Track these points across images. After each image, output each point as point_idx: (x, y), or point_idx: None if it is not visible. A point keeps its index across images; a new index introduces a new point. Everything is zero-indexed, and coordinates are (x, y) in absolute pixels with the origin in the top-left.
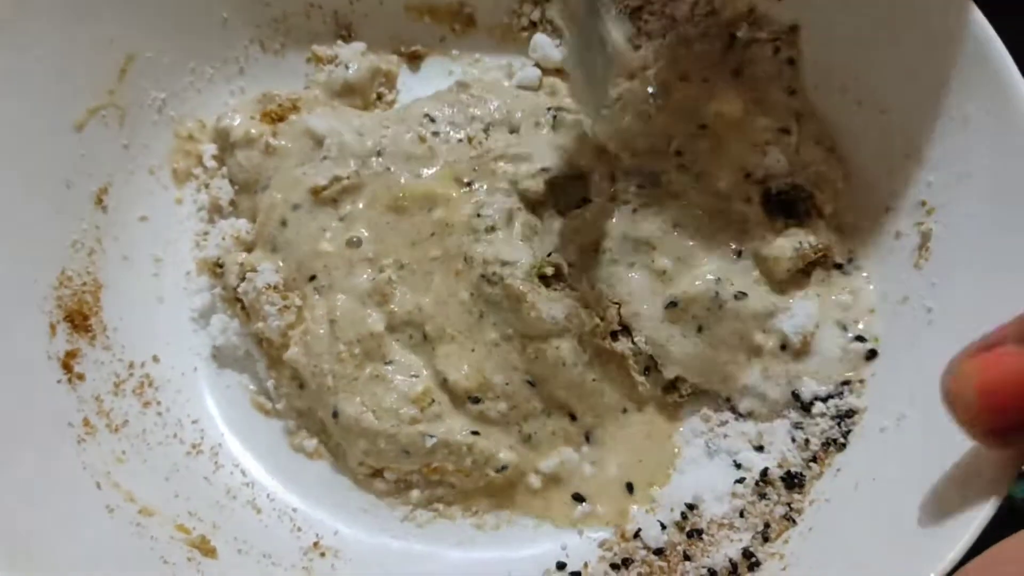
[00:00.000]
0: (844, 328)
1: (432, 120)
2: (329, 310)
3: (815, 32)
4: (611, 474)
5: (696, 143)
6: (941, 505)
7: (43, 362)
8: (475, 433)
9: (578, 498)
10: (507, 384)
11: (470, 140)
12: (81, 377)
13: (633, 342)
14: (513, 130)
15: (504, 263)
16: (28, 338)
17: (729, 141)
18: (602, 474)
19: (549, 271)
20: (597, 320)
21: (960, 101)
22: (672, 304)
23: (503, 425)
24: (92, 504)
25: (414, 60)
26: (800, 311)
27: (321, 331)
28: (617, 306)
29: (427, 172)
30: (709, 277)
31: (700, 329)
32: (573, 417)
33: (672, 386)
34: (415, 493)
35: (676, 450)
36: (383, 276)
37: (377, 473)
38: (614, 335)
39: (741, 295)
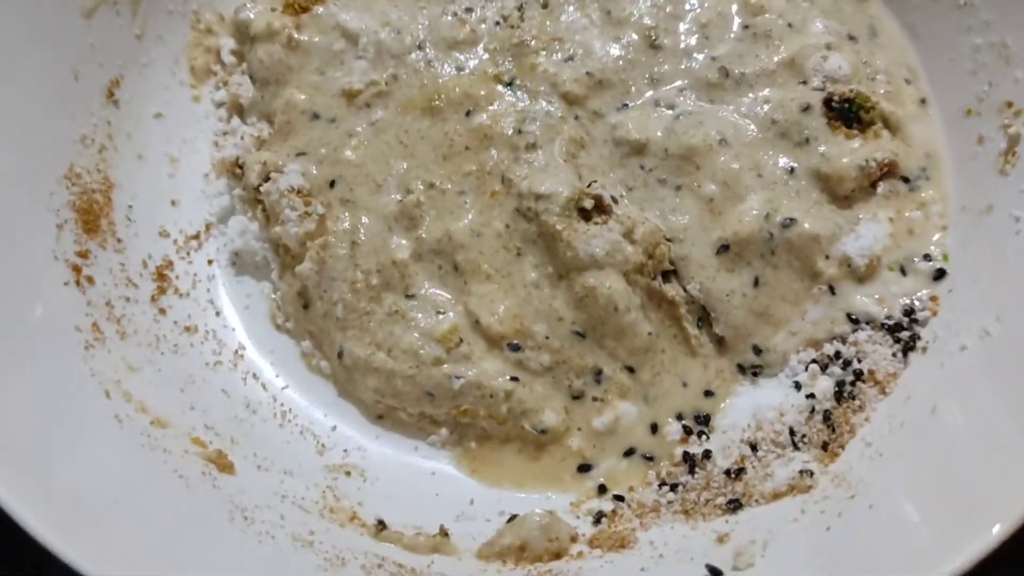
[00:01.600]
0: (911, 247)
1: None
2: (352, 228)
3: None
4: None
5: (741, 44)
6: None
7: (48, 262)
8: (514, 379)
9: (629, 452)
10: (548, 337)
11: (505, 19)
12: (90, 280)
13: (685, 289)
14: (546, 5)
15: (539, 196)
16: (32, 236)
17: (783, 42)
18: (652, 415)
19: (588, 204)
20: (645, 258)
21: None
22: (724, 248)
23: (548, 379)
24: (100, 413)
25: None
26: (867, 232)
27: (341, 251)
28: (669, 243)
29: (469, 63)
30: (755, 212)
31: (757, 282)
32: (631, 369)
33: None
34: (443, 431)
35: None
36: (411, 198)
37: (392, 410)
38: (665, 275)
39: (790, 222)
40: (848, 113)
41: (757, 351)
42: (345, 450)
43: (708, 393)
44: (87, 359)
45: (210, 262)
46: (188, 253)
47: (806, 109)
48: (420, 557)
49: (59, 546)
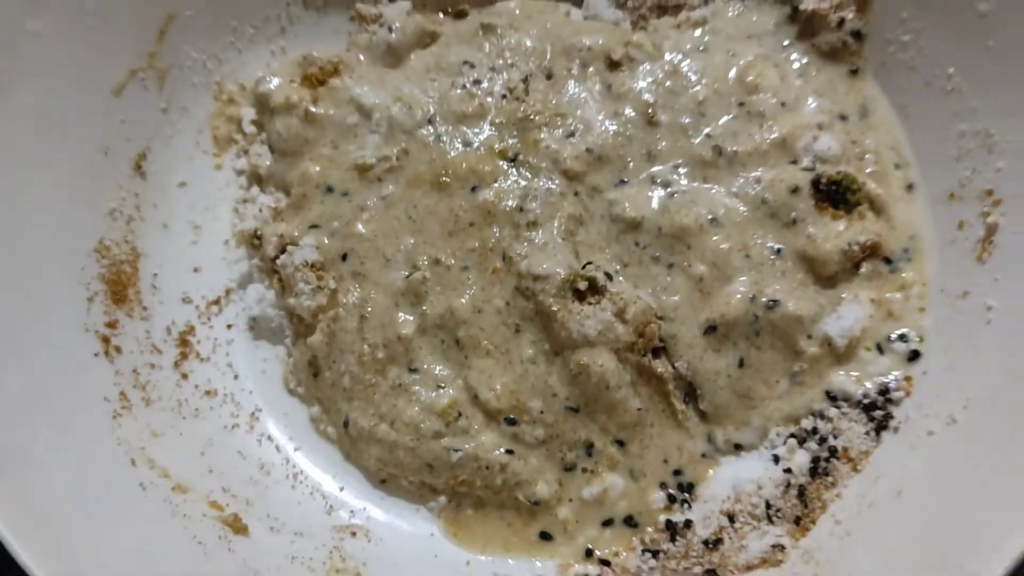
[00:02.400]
0: (890, 327)
1: (472, 66)
2: (361, 302)
3: (889, 4)
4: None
5: (735, 122)
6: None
7: (80, 335)
8: (510, 452)
9: (607, 523)
10: (543, 412)
11: (511, 92)
12: (118, 349)
13: (674, 366)
14: (549, 76)
15: (536, 277)
16: (65, 311)
17: (776, 121)
18: (639, 487)
19: (582, 285)
20: (636, 337)
21: None
22: (712, 328)
23: (543, 451)
24: (126, 482)
25: (460, 18)
26: (848, 313)
27: (350, 324)
28: (660, 321)
29: (477, 137)
30: (742, 293)
31: (742, 363)
32: (621, 443)
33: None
34: (442, 499)
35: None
36: (417, 275)
37: (394, 477)
38: (655, 352)
39: (774, 304)
40: (835, 194)
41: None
42: (351, 511)
43: (692, 466)
44: (114, 428)
45: (229, 327)
46: (209, 319)
47: (795, 191)
48: None
49: None
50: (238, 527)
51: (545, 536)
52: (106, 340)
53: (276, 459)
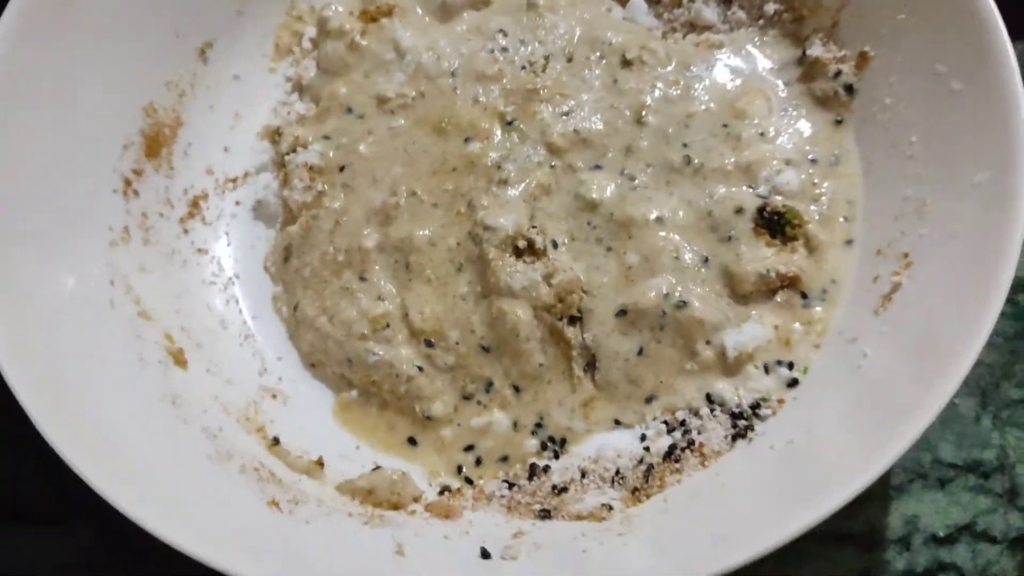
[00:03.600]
0: (782, 354)
1: (505, 35)
2: (340, 210)
3: (882, 67)
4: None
5: (713, 139)
6: None
7: (107, 172)
8: (420, 368)
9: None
10: (458, 343)
11: (531, 65)
12: (136, 193)
13: (583, 336)
14: (570, 59)
15: (487, 227)
16: (102, 148)
17: (749, 147)
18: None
19: (521, 244)
20: (556, 301)
21: (974, 169)
22: (622, 312)
23: (448, 377)
24: (98, 296)
25: None
26: (749, 331)
27: (325, 225)
28: (584, 294)
29: (485, 97)
30: (661, 290)
31: (641, 352)
32: (517, 388)
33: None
34: (354, 392)
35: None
36: (392, 200)
37: (321, 363)
38: (571, 320)
39: (683, 304)
40: (776, 224)
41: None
42: (280, 378)
43: (572, 425)
44: (108, 252)
45: (237, 203)
46: (223, 192)
47: (739, 211)
48: (292, 474)
49: (5, 361)
50: (180, 360)
51: (412, 441)
52: (128, 183)
53: (236, 320)
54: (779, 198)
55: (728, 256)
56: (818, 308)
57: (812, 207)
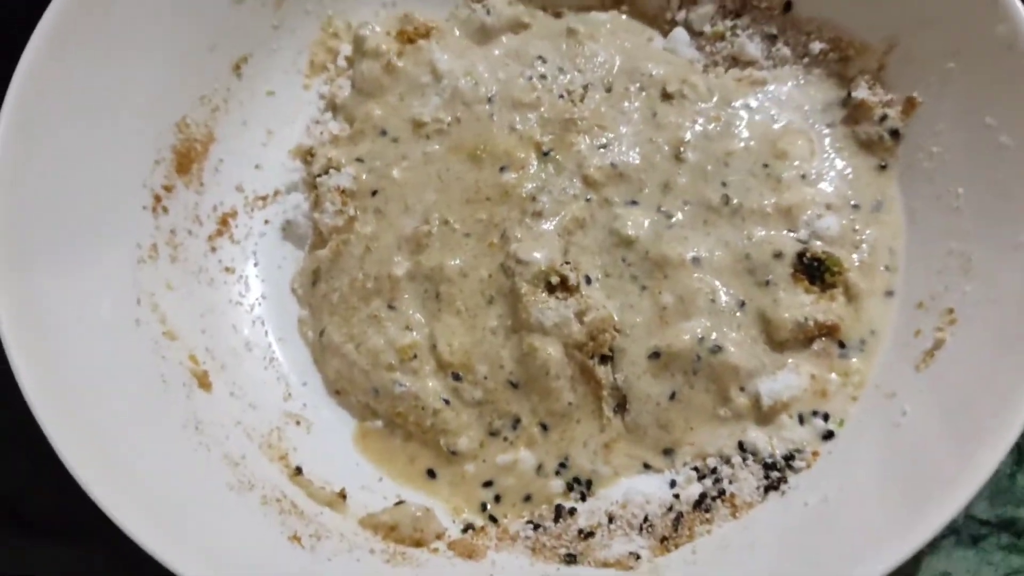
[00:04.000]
0: (818, 404)
1: (544, 62)
2: (371, 236)
3: (929, 114)
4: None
5: (753, 179)
6: None
7: (137, 188)
8: (446, 402)
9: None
10: (486, 377)
11: (569, 94)
12: (166, 210)
13: (614, 376)
14: (608, 89)
15: (519, 261)
16: (133, 164)
17: (790, 189)
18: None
19: (554, 280)
20: (588, 339)
21: (1021, 228)
22: (655, 355)
23: (475, 411)
24: (125, 313)
25: (556, 17)
26: (784, 379)
27: (355, 251)
28: (616, 333)
29: (522, 126)
30: (696, 333)
31: (673, 396)
32: (544, 427)
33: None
34: (379, 423)
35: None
36: (424, 228)
37: (345, 391)
38: (602, 359)
39: (717, 349)
40: (815, 270)
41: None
42: (304, 404)
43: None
44: (135, 270)
45: (266, 222)
46: (252, 210)
47: (778, 255)
48: (315, 505)
49: (26, 381)
50: (204, 382)
51: (431, 474)
52: (158, 199)
53: (261, 342)
54: (819, 243)
55: (765, 301)
56: (855, 359)
57: (853, 254)
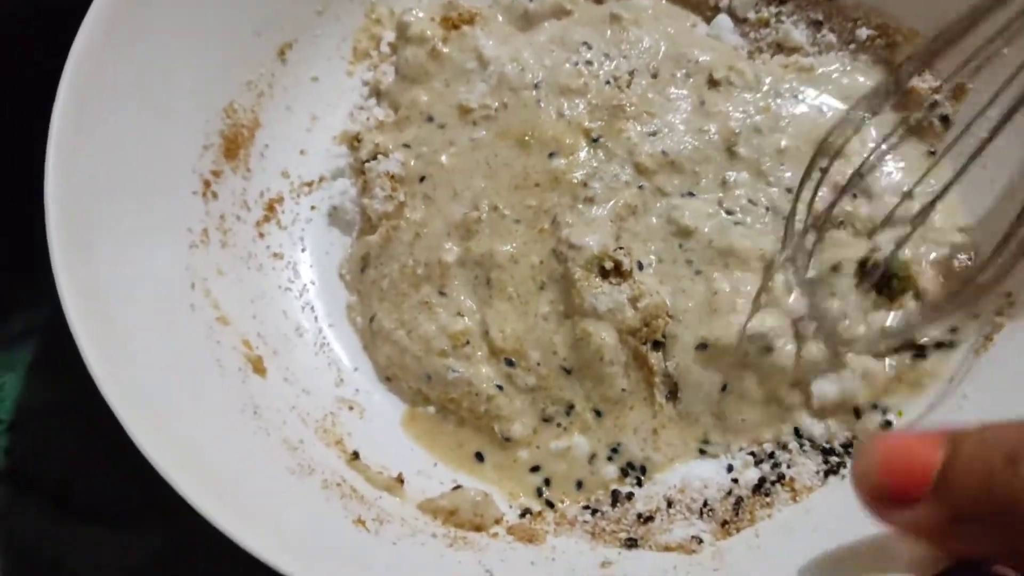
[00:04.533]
0: (878, 399)
1: (589, 47)
2: (421, 222)
3: (980, 100)
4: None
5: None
6: None
7: (187, 173)
8: (499, 388)
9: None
10: (539, 363)
11: (615, 80)
12: (215, 195)
13: (666, 363)
14: (655, 75)
15: (572, 246)
16: (183, 149)
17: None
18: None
19: (608, 265)
20: (641, 325)
21: None
22: (702, 346)
23: (528, 398)
24: (180, 298)
25: (598, 3)
26: (841, 382)
27: (405, 237)
28: (669, 319)
29: (570, 112)
30: (749, 327)
31: (725, 388)
32: (598, 413)
33: None
34: (431, 408)
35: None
36: (474, 214)
37: (396, 377)
38: (656, 344)
39: (767, 351)
40: (881, 278)
41: (705, 440)
42: (357, 390)
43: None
44: (188, 255)
45: (313, 208)
46: (298, 196)
47: (836, 267)
48: (373, 490)
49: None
50: (259, 367)
51: (479, 457)
52: (207, 184)
53: (311, 327)
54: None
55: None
56: (932, 361)
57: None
